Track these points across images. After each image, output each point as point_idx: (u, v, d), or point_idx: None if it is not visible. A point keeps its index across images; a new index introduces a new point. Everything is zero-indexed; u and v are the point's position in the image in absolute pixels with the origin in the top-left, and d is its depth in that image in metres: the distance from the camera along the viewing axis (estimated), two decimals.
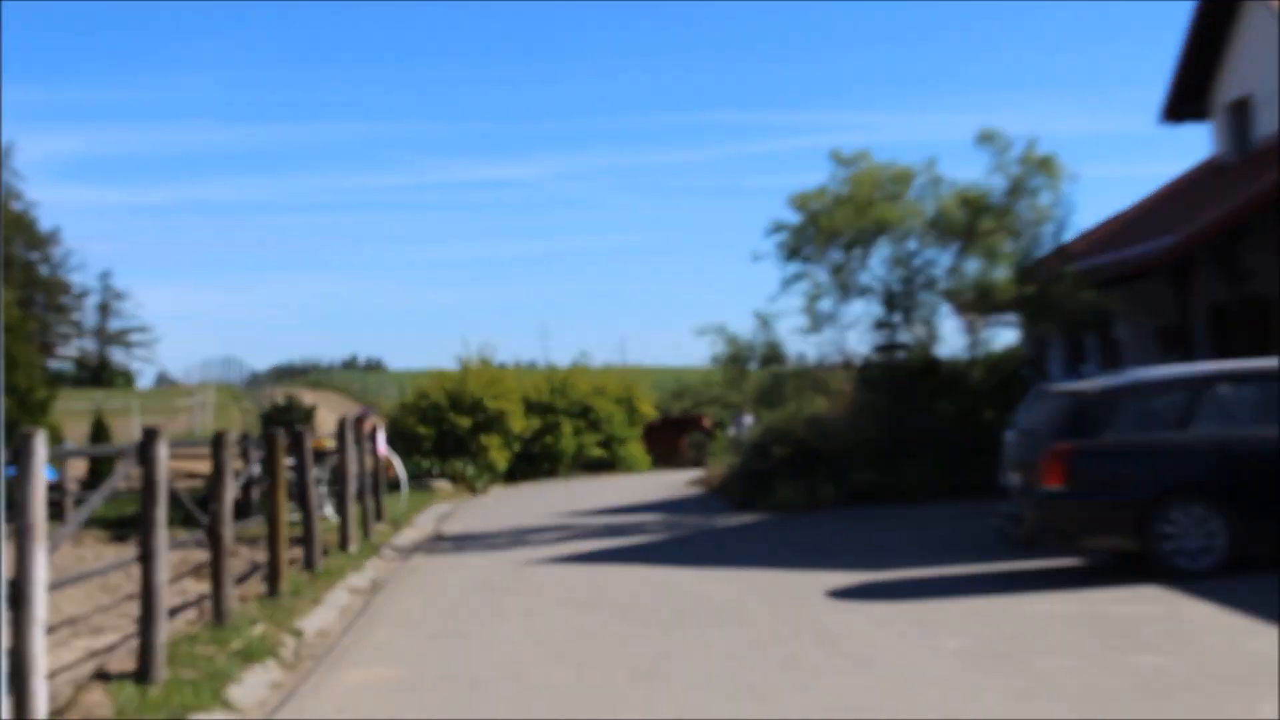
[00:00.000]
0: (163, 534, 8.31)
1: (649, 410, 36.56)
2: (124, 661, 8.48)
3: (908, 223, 21.88)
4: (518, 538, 17.97)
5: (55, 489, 18.05)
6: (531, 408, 33.76)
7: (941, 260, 22.44)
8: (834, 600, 10.95)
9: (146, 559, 8.23)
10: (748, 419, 25.66)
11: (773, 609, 10.67)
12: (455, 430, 31.47)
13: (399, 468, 22.26)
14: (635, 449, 35.89)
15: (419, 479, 27.73)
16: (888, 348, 22.62)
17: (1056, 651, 8.39)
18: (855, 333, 22.85)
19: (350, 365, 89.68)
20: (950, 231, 21.63)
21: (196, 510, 10.41)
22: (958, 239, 21.74)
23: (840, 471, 20.12)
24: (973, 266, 22.05)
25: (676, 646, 9.26)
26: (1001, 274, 21.39)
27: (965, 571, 12.18)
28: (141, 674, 7.98)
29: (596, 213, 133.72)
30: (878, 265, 22.87)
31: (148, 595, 8.17)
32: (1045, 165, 21.25)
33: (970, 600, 10.53)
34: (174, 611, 10.65)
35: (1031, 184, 21.36)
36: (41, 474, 6.80)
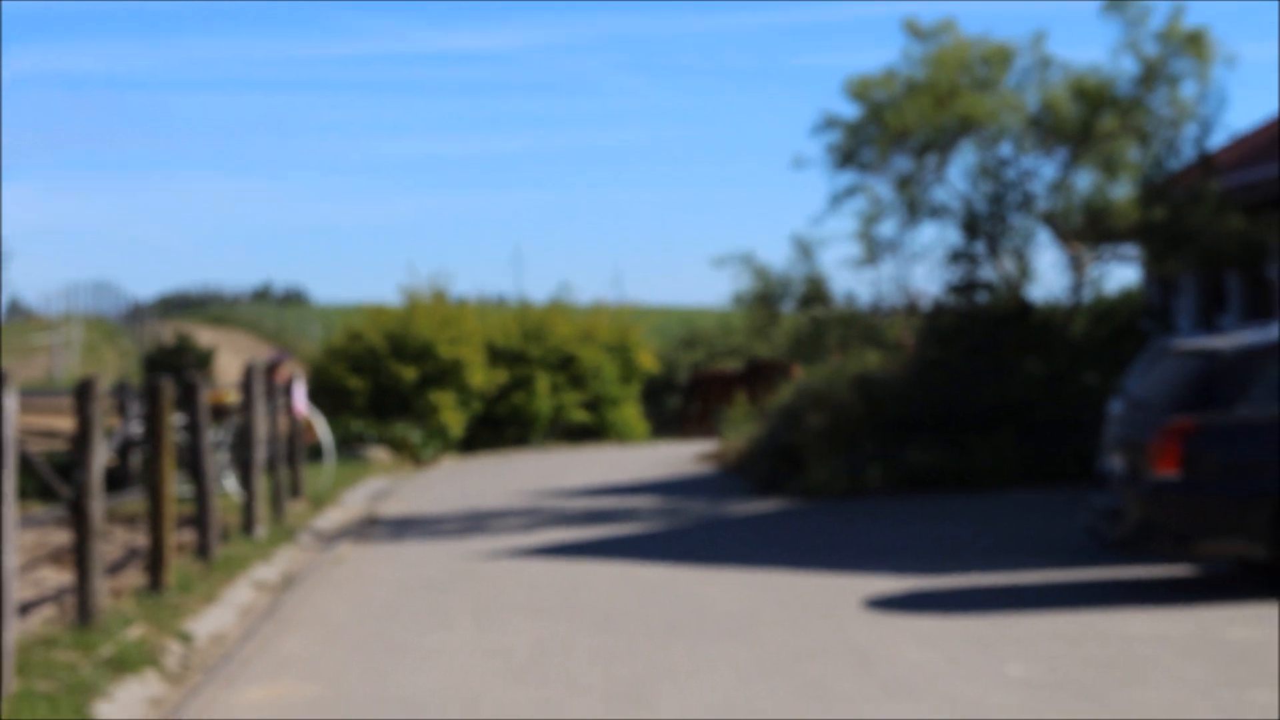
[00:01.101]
0: (11, 509, 8.55)
1: (649, 362, 36.78)
2: None
3: (1002, 120, 21.97)
4: (473, 523, 18.27)
5: None
6: (498, 356, 33.99)
7: (1043, 172, 22.58)
8: (873, 612, 11.22)
9: None
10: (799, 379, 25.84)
11: (793, 621, 10.94)
12: (397, 384, 31.72)
13: (323, 431, 22.55)
14: (630, 412, 36.16)
15: (349, 446, 28.04)
16: (965, 287, 22.81)
17: (1153, 684, 8.64)
18: (923, 267, 23.01)
19: (262, 297, 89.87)
20: (1058, 132, 21.70)
21: (56, 479, 10.67)
22: (1067, 143, 21.84)
23: (892, 448, 20.35)
24: (1085, 181, 22.17)
25: (668, 666, 9.53)
26: (1122, 192, 21.49)
27: (1043, 580, 12.43)
28: None
29: (591, 100, 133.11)
30: (958, 177, 23.03)
31: None
32: (1193, 43, 21.16)
33: (1046, 616, 10.78)
34: (26, 607, 10.94)
35: (1172, 69, 21.31)
36: None
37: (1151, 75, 21.29)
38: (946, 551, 14.35)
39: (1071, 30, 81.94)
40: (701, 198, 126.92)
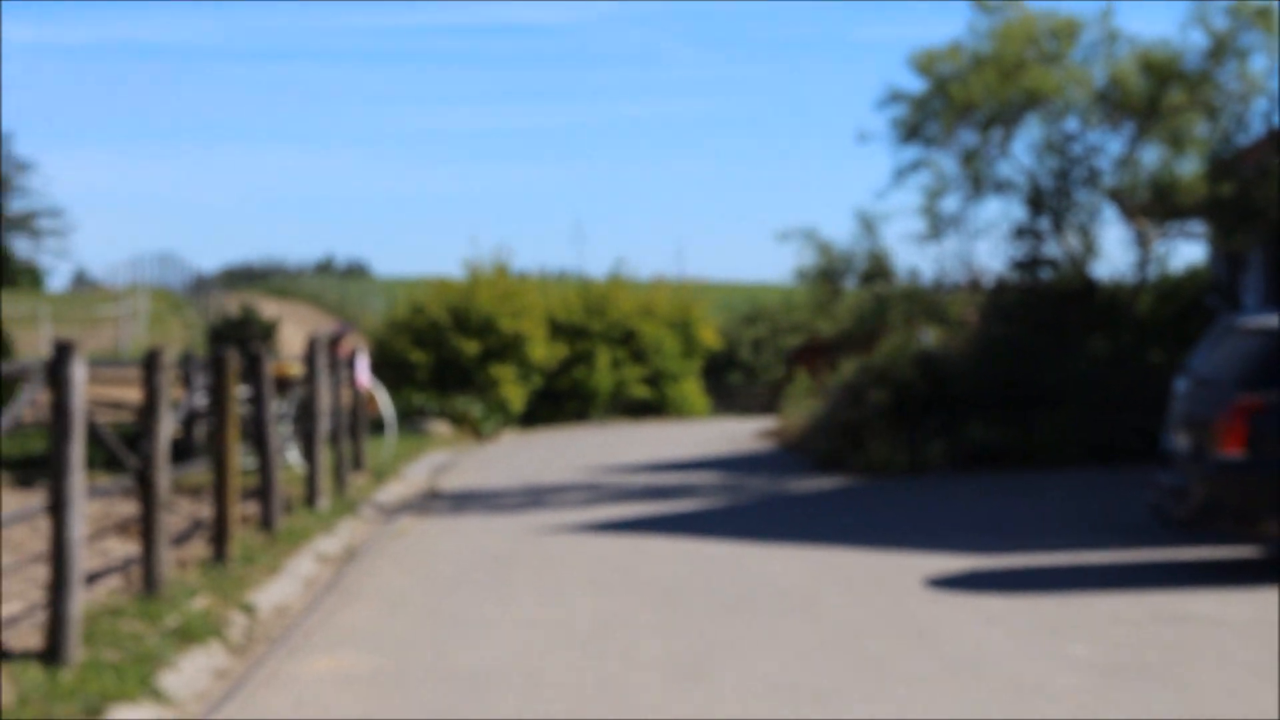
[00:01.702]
0: (79, 478, 8.65)
1: (711, 338, 36.79)
2: (28, 638, 8.88)
3: (1068, 94, 21.83)
4: (534, 498, 18.35)
5: None
6: (559, 331, 34.11)
7: (1110, 147, 22.43)
8: (934, 590, 11.21)
9: (58, 510, 8.58)
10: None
11: (855, 598, 10.94)
12: (459, 358, 31.89)
13: (385, 404, 22.69)
14: (691, 388, 36.20)
15: (410, 419, 28.20)
16: (1029, 264, 22.70)
17: (1217, 666, 8.60)
18: (987, 243, 23.02)
19: (325, 269, 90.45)
20: (1125, 107, 21.55)
21: (123, 450, 10.78)
22: (1134, 118, 21.67)
23: (955, 425, 20.31)
24: (1152, 156, 22.00)
25: (728, 640, 9.56)
26: (1190, 167, 21.30)
27: (1107, 560, 12.38)
28: (51, 653, 8.37)
29: (653, 71, 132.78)
30: (1023, 152, 22.90)
31: (59, 556, 8.53)
32: (1262, 17, 20.96)
33: (1111, 596, 10.74)
34: (93, 577, 11.07)
35: (1241, 42, 21.11)
36: None
37: (1220, 49, 21.09)
38: (1009, 530, 14.32)
39: (1140, 3, 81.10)
40: (764, 171, 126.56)
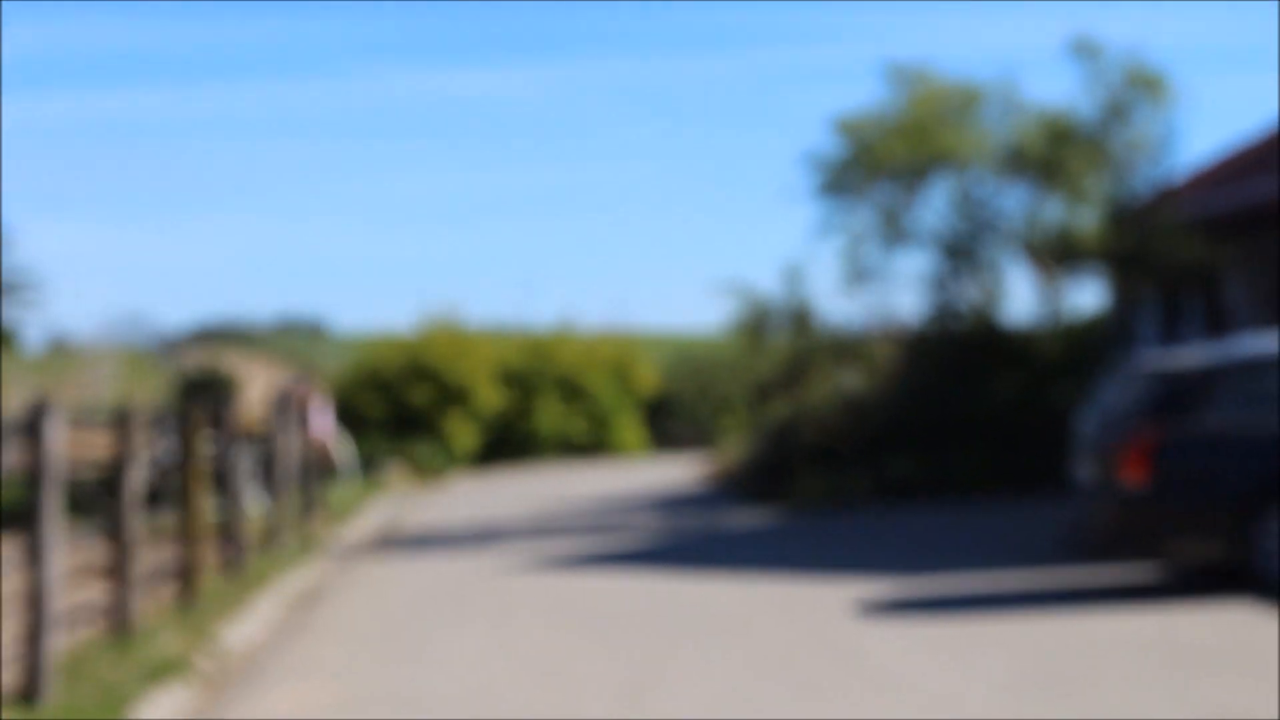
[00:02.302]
0: (55, 526, 8.59)
1: (648, 382, 36.84)
2: (8, 677, 8.76)
3: (977, 153, 22.09)
4: (486, 537, 18.29)
5: None
6: (507, 379, 34.08)
7: (1015, 201, 22.67)
8: (862, 614, 11.24)
9: (36, 557, 8.51)
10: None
11: (787, 624, 10.97)
12: (413, 407, 31.80)
13: (344, 451, 22.57)
14: (629, 430, 36.24)
15: (368, 465, 28.06)
16: (942, 312, 22.87)
17: (1120, 682, 8.66)
18: (905, 295, 23.12)
19: (286, 329, 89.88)
20: (1028, 164, 21.81)
21: (98, 499, 10.70)
22: (1037, 174, 21.93)
23: (877, 461, 20.43)
24: (1054, 210, 22.27)
25: (670, 666, 9.56)
26: (1090, 219, 21.58)
27: (1019, 584, 12.45)
28: (29, 693, 8.28)
29: (592, 140, 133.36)
30: (935, 206, 23.11)
31: (36, 600, 8.46)
32: (1152, 85, 21.30)
33: (1022, 618, 10.81)
34: (66, 619, 10.93)
35: (1134, 107, 21.44)
36: None
37: (1114, 113, 21.41)
38: (928, 557, 14.38)
39: (1038, 70, 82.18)
40: (698, 225, 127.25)
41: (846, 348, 23.67)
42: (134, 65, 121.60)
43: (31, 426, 8.65)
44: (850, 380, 23.19)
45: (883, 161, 21.86)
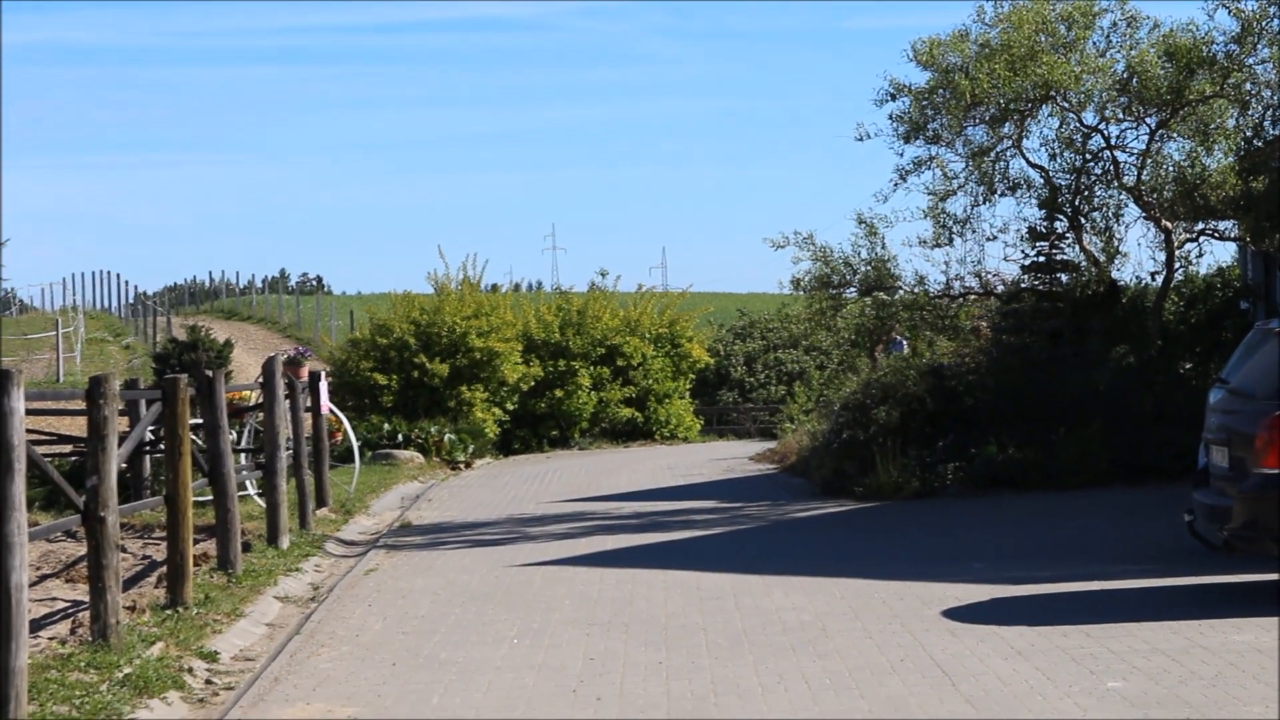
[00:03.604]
0: (21, 518, 8.61)
1: (700, 353, 36.81)
2: None
3: (1085, 84, 21.89)
4: (514, 530, 18.32)
5: None
6: (535, 348, 34.10)
7: (1132, 141, 22.51)
8: (954, 622, 11.20)
9: None
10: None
11: (867, 632, 10.93)
12: (427, 380, 31.86)
13: (349, 432, 22.65)
14: (680, 409, 36.20)
15: (376, 447, 28.16)
16: (1045, 268, 22.76)
17: (1260, 700, 8.60)
18: (999, 247, 23.05)
19: (278, 287, 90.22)
20: (1147, 97, 21.62)
21: (68, 487, 10.74)
22: (1157, 109, 21.73)
23: (969, 444, 20.34)
24: (1177, 150, 22.08)
25: (732, 682, 9.54)
26: (1219, 161, 21.37)
27: (1140, 586, 12.38)
28: None
29: (634, 69, 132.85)
30: (1037, 149, 22.97)
31: (1, 602, 8.49)
32: None
33: (1143, 627, 10.73)
34: (37, 625, 11.02)
35: (1273, 26, 21.19)
36: None
37: (1250, 33, 21.11)
38: (1032, 556, 14.32)
39: None
40: (752, 174, 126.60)
41: (932, 312, 23.58)
42: None
43: None
44: (937, 349, 23.11)
45: (975, 95, 21.68)
